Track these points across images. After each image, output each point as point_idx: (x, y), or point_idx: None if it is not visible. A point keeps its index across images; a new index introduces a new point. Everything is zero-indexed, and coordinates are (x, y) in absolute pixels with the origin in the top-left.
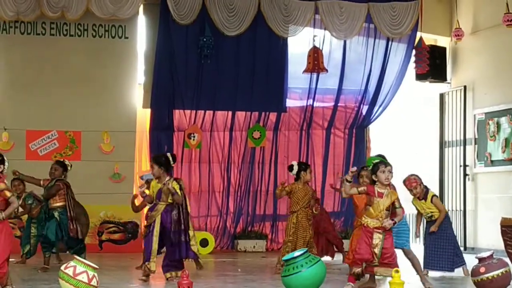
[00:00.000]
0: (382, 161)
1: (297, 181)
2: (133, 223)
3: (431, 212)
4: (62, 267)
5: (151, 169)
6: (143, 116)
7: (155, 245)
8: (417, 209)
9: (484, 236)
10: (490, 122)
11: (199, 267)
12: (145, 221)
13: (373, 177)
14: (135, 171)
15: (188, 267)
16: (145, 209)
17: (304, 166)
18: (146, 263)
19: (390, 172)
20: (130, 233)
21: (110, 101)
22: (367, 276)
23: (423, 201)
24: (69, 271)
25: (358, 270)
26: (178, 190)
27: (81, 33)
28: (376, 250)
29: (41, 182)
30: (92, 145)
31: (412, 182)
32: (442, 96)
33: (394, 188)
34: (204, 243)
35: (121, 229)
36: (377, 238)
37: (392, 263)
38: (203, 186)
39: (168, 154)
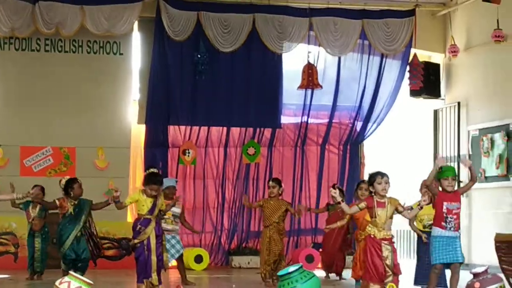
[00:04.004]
0: (379, 172)
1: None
2: (128, 239)
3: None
4: (57, 283)
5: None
6: (138, 132)
7: (153, 258)
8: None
9: (479, 252)
10: (484, 138)
11: (190, 283)
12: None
13: (370, 188)
14: (130, 187)
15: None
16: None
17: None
18: (149, 279)
19: (387, 183)
20: (125, 249)
21: (105, 117)
22: None
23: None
24: (64, 287)
25: None
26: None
27: (75, 49)
28: (388, 262)
29: (57, 203)
30: (86, 161)
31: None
32: (436, 112)
33: None
34: (198, 259)
35: (116, 245)
36: (386, 250)
37: (399, 274)
38: (198, 202)
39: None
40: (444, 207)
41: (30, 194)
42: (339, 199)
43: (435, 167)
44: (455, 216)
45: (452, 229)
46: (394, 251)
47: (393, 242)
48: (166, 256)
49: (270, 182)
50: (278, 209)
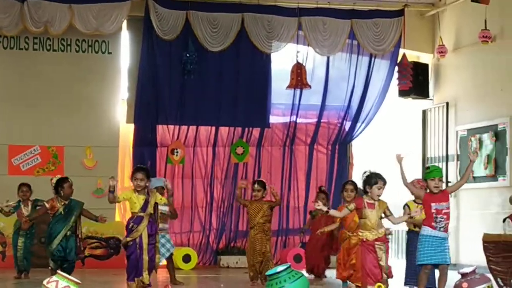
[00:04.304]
0: (381, 176)
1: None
2: (116, 239)
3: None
4: (44, 282)
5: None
6: (126, 131)
7: (145, 257)
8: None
9: (467, 252)
10: (473, 138)
11: (178, 283)
12: (129, 235)
13: (367, 187)
14: (118, 187)
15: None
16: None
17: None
18: (140, 277)
19: (383, 189)
20: (113, 249)
21: (93, 116)
22: None
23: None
24: (52, 286)
25: None
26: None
27: (64, 48)
28: (382, 263)
29: (48, 206)
30: (75, 160)
31: (420, 182)
32: (424, 113)
33: None
34: (186, 258)
35: (104, 245)
36: (380, 251)
37: (390, 277)
38: (186, 201)
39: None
40: (433, 208)
41: (6, 206)
42: (325, 209)
43: (399, 166)
44: (445, 216)
45: (442, 229)
46: (387, 251)
47: (387, 240)
48: (158, 258)
49: (256, 186)
50: (260, 209)
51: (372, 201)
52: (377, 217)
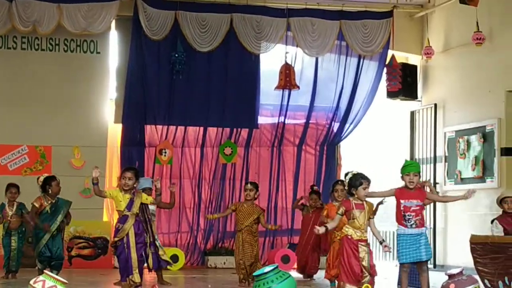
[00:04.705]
0: (365, 176)
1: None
2: (103, 239)
3: None
4: (31, 282)
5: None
6: (115, 131)
7: (134, 255)
8: None
9: (454, 254)
10: (460, 140)
11: (165, 283)
12: (116, 236)
13: (352, 190)
14: (106, 186)
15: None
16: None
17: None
18: (130, 276)
19: (368, 188)
20: (100, 249)
21: (81, 116)
22: None
23: None
24: (38, 286)
25: None
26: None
27: (52, 48)
28: (365, 263)
29: (37, 206)
30: (62, 160)
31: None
32: (412, 114)
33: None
34: (174, 259)
35: (91, 245)
36: (363, 251)
37: (375, 275)
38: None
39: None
40: (402, 205)
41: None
42: (323, 230)
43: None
44: (413, 214)
45: (413, 226)
46: (370, 252)
47: (369, 244)
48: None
49: (248, 185)
50: (251, 214)
51: (360, 202)
52: (366, 219)
